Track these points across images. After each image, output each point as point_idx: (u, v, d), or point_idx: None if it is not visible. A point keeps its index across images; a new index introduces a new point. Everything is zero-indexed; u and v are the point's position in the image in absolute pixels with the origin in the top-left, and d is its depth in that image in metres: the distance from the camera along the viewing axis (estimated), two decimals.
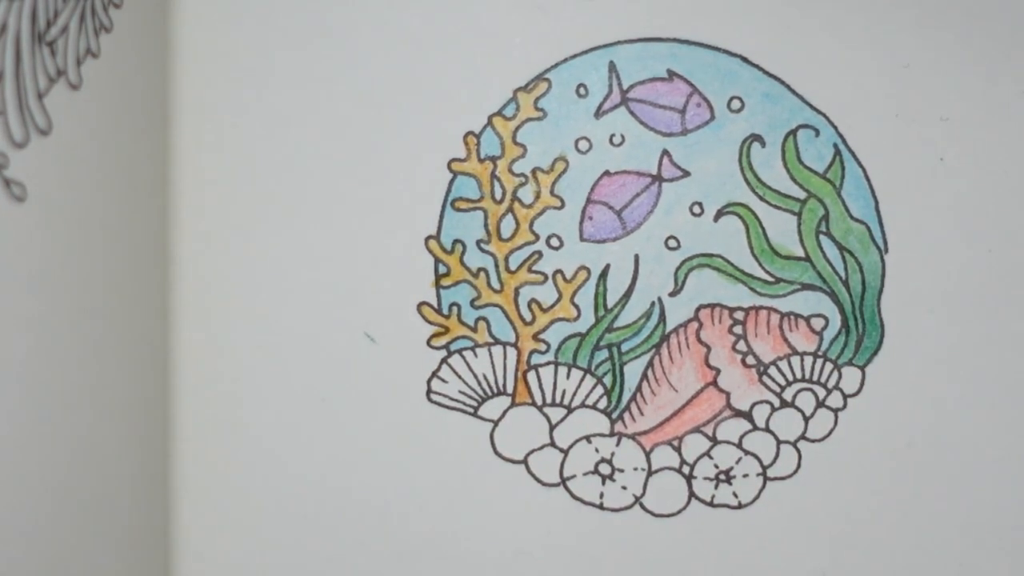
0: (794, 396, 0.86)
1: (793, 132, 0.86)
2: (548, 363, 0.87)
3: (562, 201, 0.86)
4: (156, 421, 0.84)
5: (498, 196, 0.86)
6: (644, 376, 0.87)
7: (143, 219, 0.82)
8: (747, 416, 0.87)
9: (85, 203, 0.73)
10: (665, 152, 0.86)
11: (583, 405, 0.87)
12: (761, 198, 0.86)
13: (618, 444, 0.87)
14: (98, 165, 0.75)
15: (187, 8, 0.86)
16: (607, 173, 0.86)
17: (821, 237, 0.86)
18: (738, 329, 0.86)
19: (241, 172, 0.86)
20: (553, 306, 0.87)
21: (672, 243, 0.86)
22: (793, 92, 0.86)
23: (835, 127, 0.86)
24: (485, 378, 0.87)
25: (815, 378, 0.86)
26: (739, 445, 0.87)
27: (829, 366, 0.86)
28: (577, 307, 0.87)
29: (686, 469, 0.87)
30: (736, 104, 0.86)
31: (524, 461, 0.87)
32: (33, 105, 0.68)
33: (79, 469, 0.74)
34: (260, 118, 0.86)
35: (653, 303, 0.87)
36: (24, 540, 0.69)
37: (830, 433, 0.86)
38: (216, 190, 0.86)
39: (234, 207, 0.86)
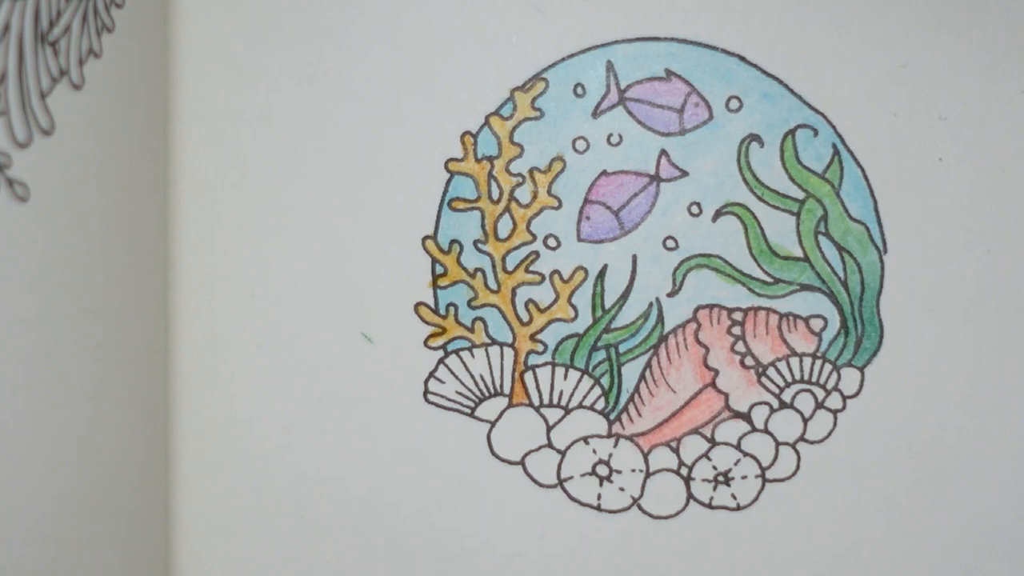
0: (793, 397, 0.86)
1: (792, 132, 0.86)
2: (545, 364, 0.87)
3: (559, 201, 0.86)
4: (156, 421, 0.84)
5: (495, 196, 0.86)
6: (642, 377, 0.87)
7: (143, 219, 0.82)
8: (746, 417, 0.87)
9: (87, 203, 0.73)
10: (663, 152, 0.86)
11: (580, 406, 0.87)
12: (759, 198, 0.86)
13: (616, 445, 0.87)
14: (100, 165, 0.75)
15: (187, 8, 0.85)
16: (604, 173, 0.86)
17: (820, 237, 0.86)
18: (737, 330, 0.86)
19: (240, 172, 0.86)
20: (550, 306, 0.86)
21: (670, 243, 0.86)
22: (792, 92, 0.86)
23: (834, 127, 0.86)
24: (482, 379, 0.87)
25: (814, 379, 0.86)
26: (738, 446, 0.87)
27: (828, 367, 0.86)
28: (574, 307, 0.86)
29: (684, 471, 0.87)
30: (734, 104, 0.86)
31: (521, 462, 0.87)
32: (36, 105, 0.68)
33: (79, 469, 0.74)
34: (259, 118, 0.85)
35: (651, 304, 0.86)
36: (24, 540, 0.69)
37: (829, 435, 0.86)
38: (216, 190, 0.86)
39: (233, 207, 0.86)
